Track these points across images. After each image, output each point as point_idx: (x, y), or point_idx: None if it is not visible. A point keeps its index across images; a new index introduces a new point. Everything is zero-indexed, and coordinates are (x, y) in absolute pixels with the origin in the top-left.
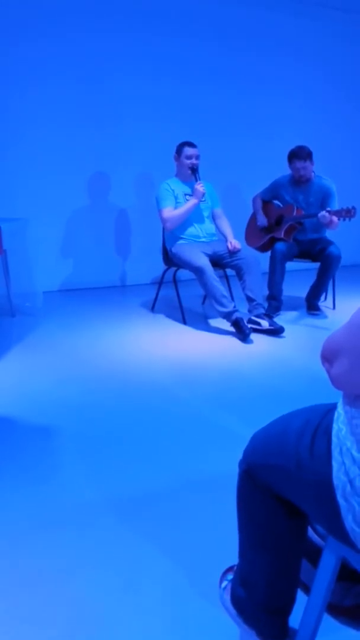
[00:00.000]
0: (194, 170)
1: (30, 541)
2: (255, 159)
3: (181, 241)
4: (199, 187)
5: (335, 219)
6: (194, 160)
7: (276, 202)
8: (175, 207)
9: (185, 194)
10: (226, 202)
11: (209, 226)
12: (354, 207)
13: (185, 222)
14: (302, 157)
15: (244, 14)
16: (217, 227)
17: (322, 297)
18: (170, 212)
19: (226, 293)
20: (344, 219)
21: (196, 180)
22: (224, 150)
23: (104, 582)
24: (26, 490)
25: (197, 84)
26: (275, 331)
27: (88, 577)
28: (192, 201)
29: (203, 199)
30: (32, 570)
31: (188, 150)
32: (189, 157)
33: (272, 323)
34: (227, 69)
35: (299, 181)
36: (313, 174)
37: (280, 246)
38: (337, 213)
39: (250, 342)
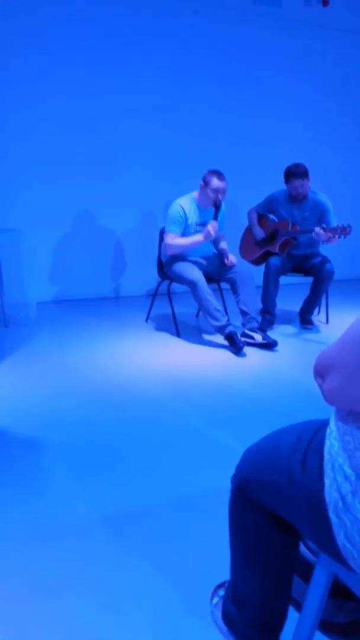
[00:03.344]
0: (217, 207)
1: (19, 557)
2: (250, 173)
3: (177, 261)
4: (211, 229)
5: (331, 235)
6: (219, 196)
7: (271, 216)
8: (185, 234)
9: (198, 224)
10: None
11: (207, 247)
12: (349, 225)
13: None
14: (300, 176)
15: (243, 31)
16: (214, 244)
17: (316, 312)
18: (174, 238)
19: (220, 307)
20: (339, 236)
21: (214, 218)
22: (221, 164)
23: (94, 599)
24: (16, 505)
25: (195, 98)
26: (269, 345)
27: (78, 594)
28: (199, 238)
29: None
30: (21, 587)
31: (216, 184)
32: (215, 191)
33: (265, 337)
34: (226, 84)
35: (295, 198)
36: (309, 189)
37: (274, 261)
38: (332, 230)
39: (244, 355)
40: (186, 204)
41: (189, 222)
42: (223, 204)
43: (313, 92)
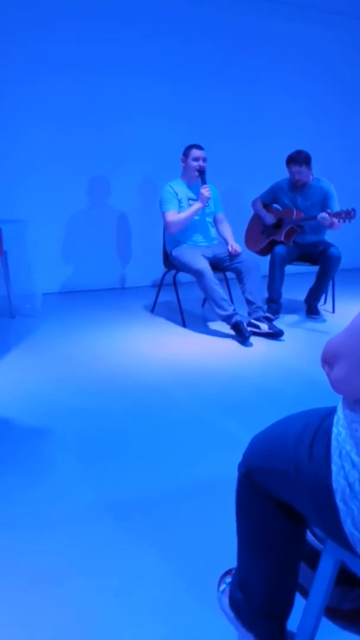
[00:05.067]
0: (202, 172)
1: (24, 544)
2: (254, 163)
3: (182, 244)
4: (205, 191)
5: (335, 220)
6: (201, 163)
7: (275, 205)
8: (179, 211)
9: (189, 199)
10: (226, 206)
11: (210, 230)
12: (353, 209)
13: (187, 225)
14: (298, 162)
15: (246, 20)
16: (218, 231)
17: (322, 301)
18: (173, 215)
19: (226, 296)
20: (344, 221)
21: (203, 183)
22: (224, 154)
23: (99, 586)
24: (21, 492)
25: (198, 88)
26: (275, 334)
27: (82, 581)
28: (197, 205)
29: (207, 204)
30: (26, 573)
31: (195, 152)
32: (196, 159)
33: (271, 326)
34: (228, 73)
35: (296, 185)
36: (312, 177)
37: (279, 249)
38: (337, 215)
39: (250, 345)
40: (173, 183)
41: (179, 197)
42: (214, 187)
43: (315, 80)
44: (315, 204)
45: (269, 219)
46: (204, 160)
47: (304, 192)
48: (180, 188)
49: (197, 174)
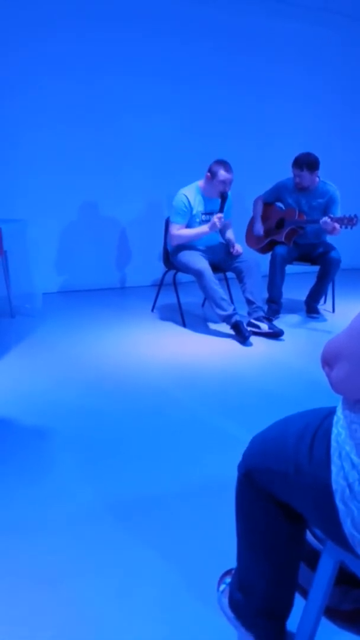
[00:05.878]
0: (224, 198)
1: (24, 543)
2: (255, 163)
3: (183, 249)
4: (217, 221)
5: (337, 225)
6: (226, 188)
7: (279, 204)
8: (191, 225)
9: (203, 213)
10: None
11: (213, 236)
12: (356, 215)
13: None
14: (299, 166)
15: (246, 20)
16: (220, 233)
17: (322, 301)
18: (179, 229)
19: (226, 296)
20: (346, 227)
21: (220, 211)
22: (224, 155)
23: (99, 586)
24: (22, 491)
25: (198, 88)
26: (275, 334)
27: (83, 581)
28: (204, 229)
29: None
30: (26, 572)
31: (223, 175)
32: (222, 183)
33: (271, 326)
34: (229, 73)
35: (298, 187)
36: (318, 179)
37: (280, 249)
38: (339, 220)
39: (250, 345)
40: (190, 193)
41: (194, 212)
42: (230, 192)
43: (318, 79)
44: (319, 206)
45: (259, 230)
46: (230, 184)
47: (308, 193)
48: (197, 200)
49: (218, 195)
